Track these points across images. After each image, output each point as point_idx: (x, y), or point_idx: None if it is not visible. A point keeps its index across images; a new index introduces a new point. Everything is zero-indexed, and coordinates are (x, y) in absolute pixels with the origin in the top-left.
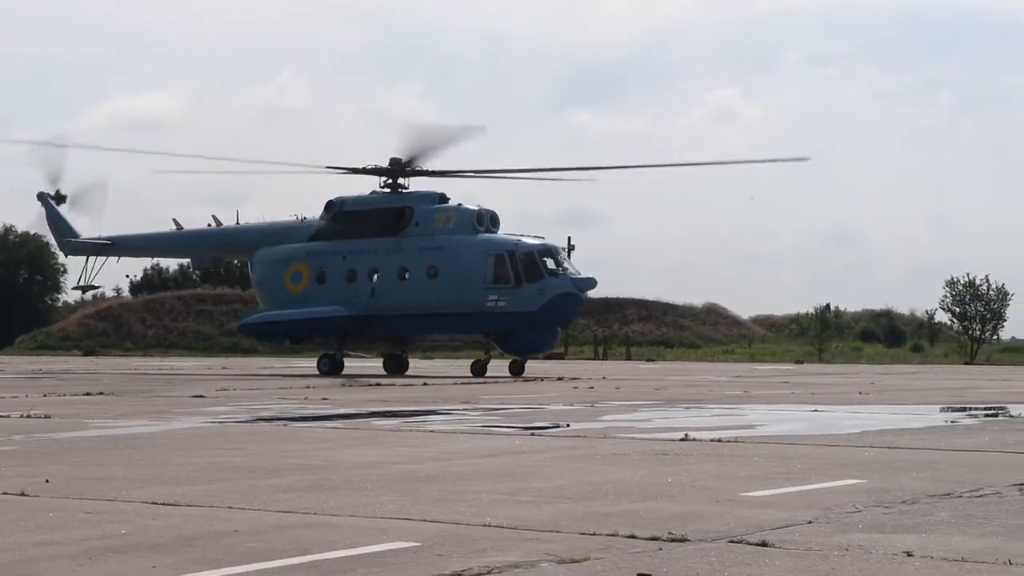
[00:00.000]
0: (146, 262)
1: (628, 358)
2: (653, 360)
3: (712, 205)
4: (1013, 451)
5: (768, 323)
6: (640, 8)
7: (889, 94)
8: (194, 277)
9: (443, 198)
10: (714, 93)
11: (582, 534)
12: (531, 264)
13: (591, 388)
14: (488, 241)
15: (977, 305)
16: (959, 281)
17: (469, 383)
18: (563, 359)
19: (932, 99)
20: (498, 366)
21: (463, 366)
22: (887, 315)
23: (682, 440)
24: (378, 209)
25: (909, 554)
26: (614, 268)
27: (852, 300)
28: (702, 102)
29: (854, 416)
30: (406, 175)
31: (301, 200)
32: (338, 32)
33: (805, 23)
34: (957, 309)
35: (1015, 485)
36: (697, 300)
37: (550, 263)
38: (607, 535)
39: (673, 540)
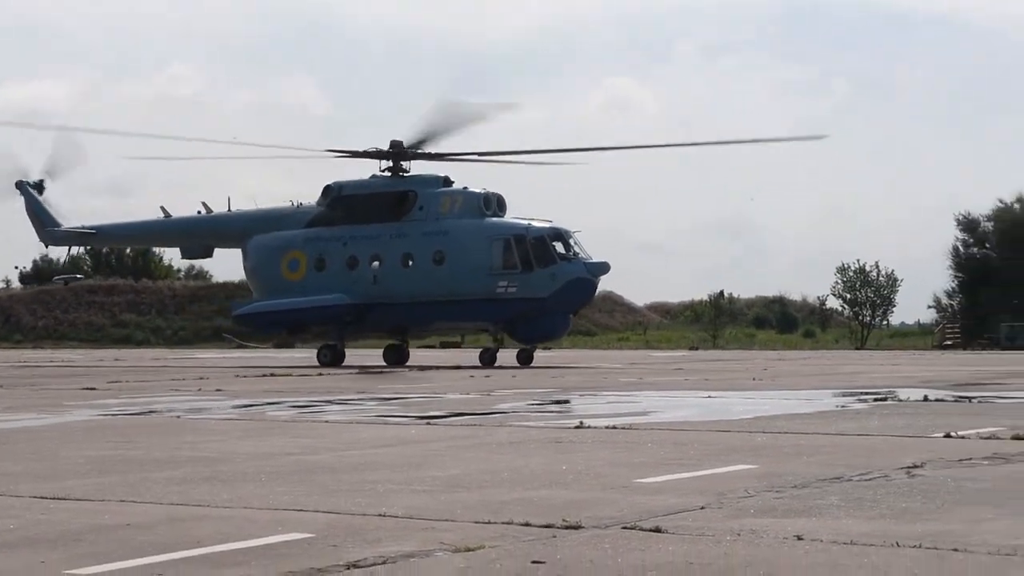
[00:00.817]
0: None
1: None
2: (549, 348)
3: (608, 194)
4: (901, 435)
5: (663, 310)
6: (532, 2)
7: (784, 84)
8: (85, 268)
9: (447, 181)
10: (610, 82)
11: (477, 523)
12: (542, 248)
13: (487, 377)
14: (496, 225)
15: (867, 291)
16: (850, 268)
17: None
18: (459, 347)
19: (826, 90)
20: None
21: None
22: (780, 301)
23: (577, 428)
24: (379, 193)
25: (799, 537)
26: None
27: (745, 287)
28: (598, 91)
29: (747, 402)
30: (408, 158)
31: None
32: (231, 21)
33: (701, 13)
34: (848, 295)
35: (903, 468)
36: None
37: (561, 247)
38: (502, 523)
39: (567, 527)
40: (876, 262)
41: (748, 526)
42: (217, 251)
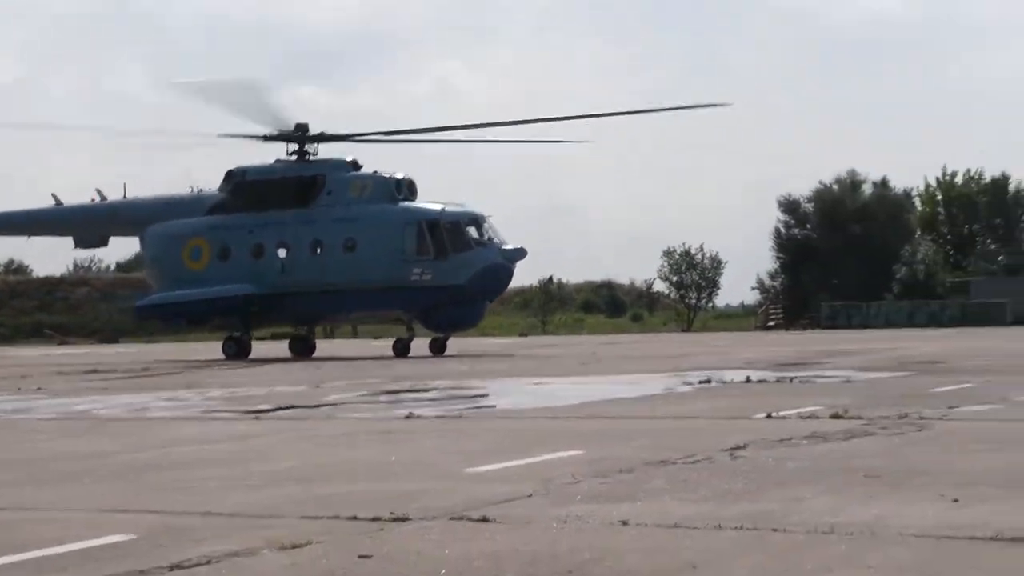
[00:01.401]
0: None
1: (355, 336)
2: (379, 337)
3: (432, 179)
4: (725, 416)
5: None
6: None
7: (610, 65)
8: None
9: (356, 165)
10: (437, 65)
11: (304, 518)
12: (457, 234)
13: (318, 369)
14: (409, 210)
15: (693, 274)
16: (675, 251)
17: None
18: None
19: (651, 70)
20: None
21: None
22: (608, 286)
23: (407, 418)
24: (286, 178)
25: (625, 523)
26: None
27: (574, 272)
28: (426, 74)
29: (575, 387)
30: (313, 141)
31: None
32: (53, 3)
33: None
34: (674, 278)
35: (726, 450)
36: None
37: (477, 232)
38: (329, 518)
39: (395, 520)
40: (701, 245)
41: (575, 512)
42: (36, 240)
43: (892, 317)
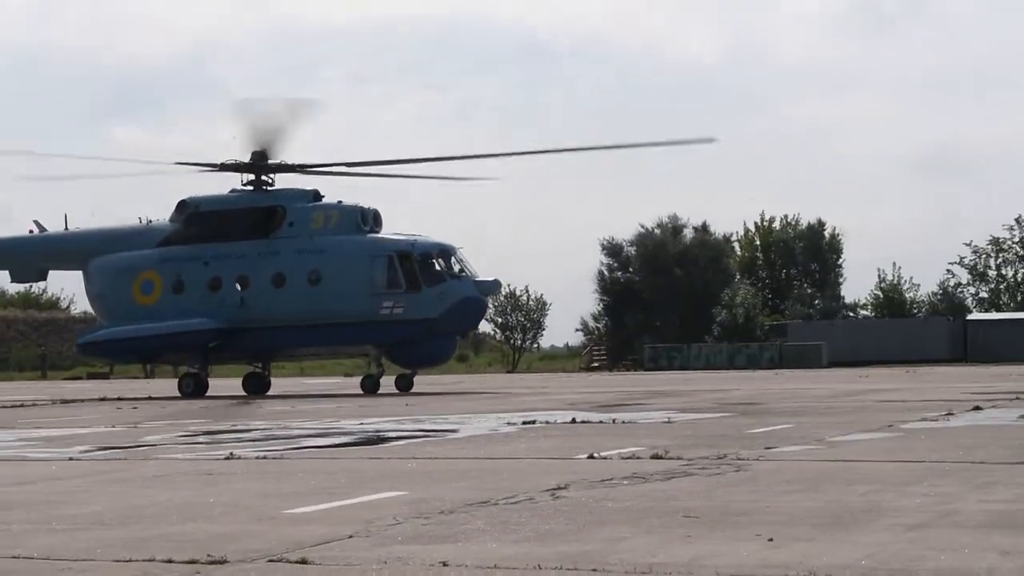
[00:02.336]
0: None
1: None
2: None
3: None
4: (547, 457)
5: None
6: (182, 20)
7: (430, 111)
8: None
9: (317, 195)
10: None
11: (118, 561)
12: (430, 266)
13: (135, 409)
14: (378, 241)
15: (518, 315)
16: (501, 293)
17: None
18: (108, 378)
19: (471, 117)
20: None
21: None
22: None
23: (227, 459)
24: (243, 208)
25: (445, 564)
26: None
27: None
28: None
29: (398, 427)
30: (271, 171)
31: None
32: None
33: (346, 40)
34: (500, 319)
35: (548, 491)
36: None
37: (448, 264)
38: (144, 560)
39: (212, 562)
40: (526, 286)
41: (395, 554)
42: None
43: (712, 359)
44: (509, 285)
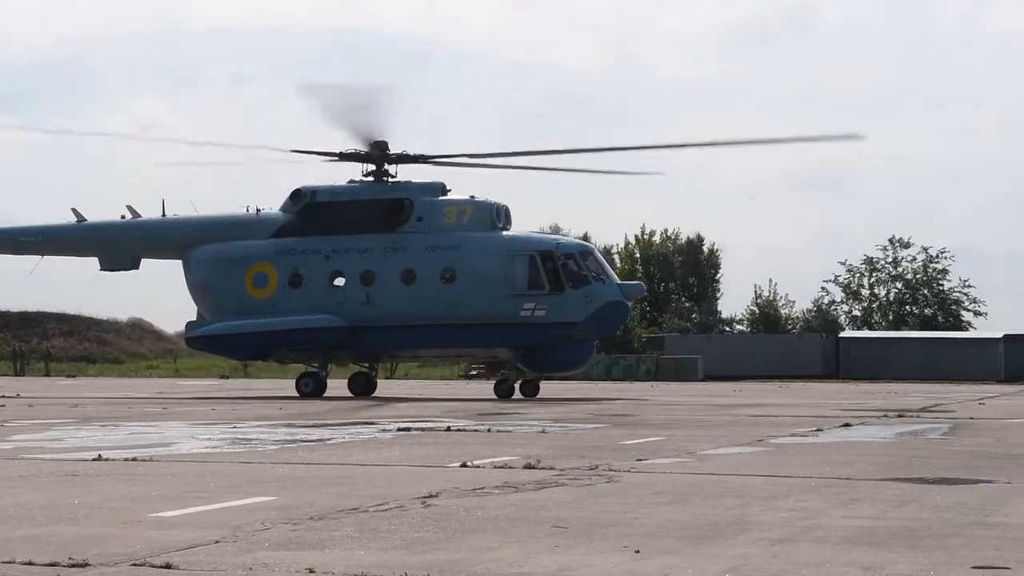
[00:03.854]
0: None
1: (47, 374)
2: (74, 376)
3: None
4: (421, 464)
5: None
6: (59, 16)
7: (313, 114)
8: None
9: (444, 189)
10: (139, 104)
11: None
12: (574, 267)
13: (2, 407)
14: (518, 239)
15: None
16: None
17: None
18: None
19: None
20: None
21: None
22: None
23: (95, 460)
24: (366, 200)
25: (311, 570)
26: (29, 282)
27: None
28: (126, 114)
29: (273, 432)
30: (392, 161)
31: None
32: None
33: (231, 40)
34: None
35: (419, 498)
36: (122, 315)
37: (593, 266)
38: (4, 562)
39: (73, 565)
40: None
41: (261, 560)
42: None
43: (589, 370)
44: None
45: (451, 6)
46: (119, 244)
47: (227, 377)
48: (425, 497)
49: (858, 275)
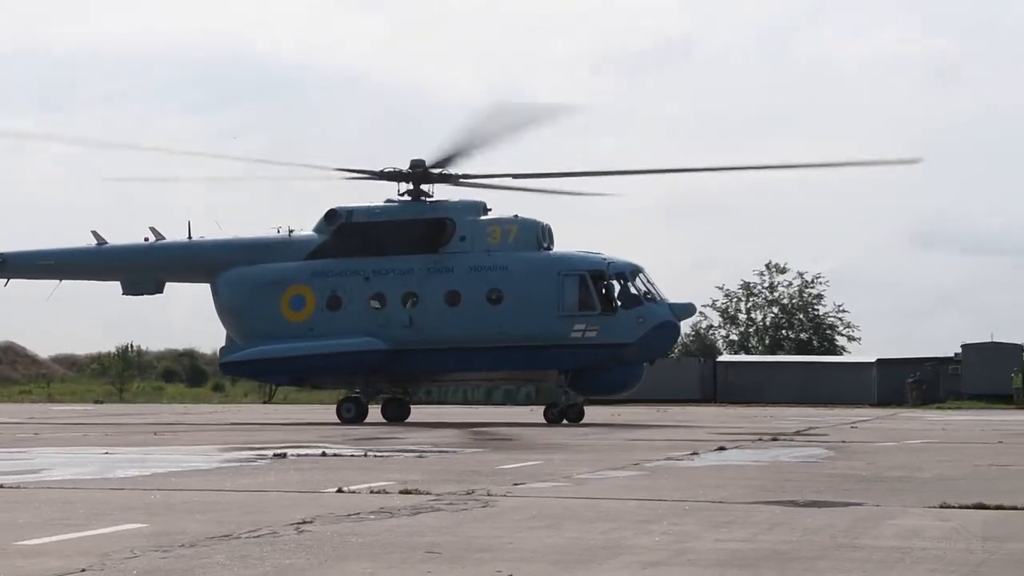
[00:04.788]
0: None
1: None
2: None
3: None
4: (296, 490)
5: (70, 362)
6: None
7: (191, 135)
8: None
9: (485, 208)
10: (9, 124)
11: None
12: (624, 287)
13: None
14: (568, 259)
15: None
16: None
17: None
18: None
19: (231, 144)
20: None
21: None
22: (190, 355)
23: None
24: (407, 220)
25: None
26: None
27: (155, 340)
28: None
29: (146, 458)
30: (433, 180)
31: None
32: None
33: (103, 61)
34: None
35: (292, 524)
36: None
37: (643, 286)
38: None
39: None
40: None
41: None
42: None
43: (470, 394)
44: None
45: (330, 30)
46: (143, 268)
47: (101, 402)
48: (299, 523)
49: (735, 300)
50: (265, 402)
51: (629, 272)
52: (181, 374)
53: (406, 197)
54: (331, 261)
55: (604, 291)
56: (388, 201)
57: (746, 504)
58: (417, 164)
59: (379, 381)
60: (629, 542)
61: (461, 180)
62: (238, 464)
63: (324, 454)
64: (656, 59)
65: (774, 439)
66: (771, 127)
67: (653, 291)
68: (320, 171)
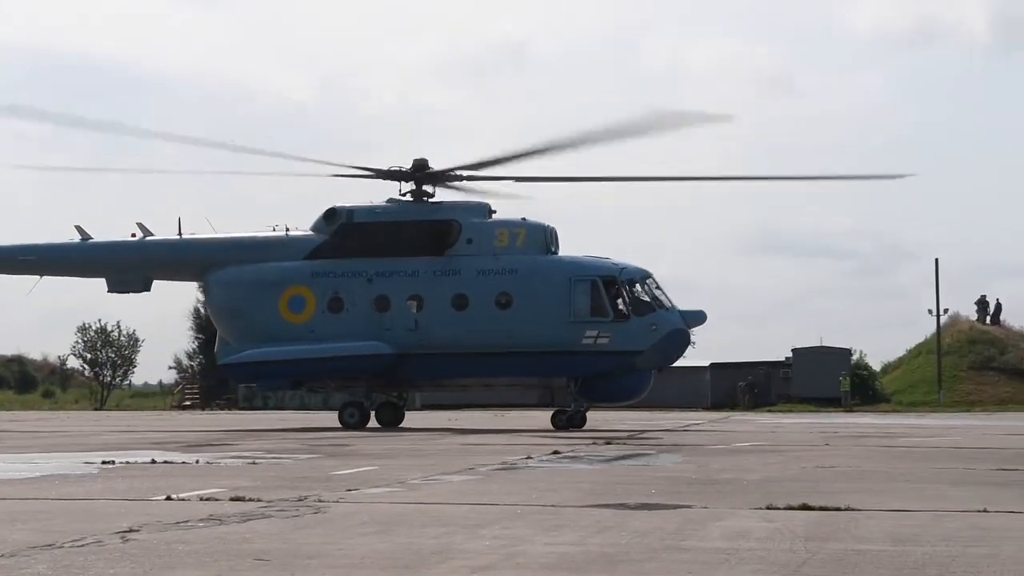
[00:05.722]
0: None
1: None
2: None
3: None
4: (123, 498)
5: None
6: None
7: (28, 140)
8: None
9: (490, 210)
10: None
11: None
12: (636, 293)
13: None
14: (578, 264)
15: (108, 351)
16: (91, 327)
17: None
18: None
19: (68, 147)
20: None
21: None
22: (19, 361)
23: None
24: (411, 222)
25: None
26: None
27: None
28: None
29: None
30: (435, 181)
31: None
32: None
33: None
34: (88, 355)
35: (118, 533)
36: None
37: (654, 292)
38: None
39: None
40: (118, 322)
41: None
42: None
43: (307, 400)
44: (100, 320)
45: (166, 32)
46: (130, 265)
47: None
48: (125, 531)
49: None
50: (96, 408)
51: (640, 278)
52: (10, 381)
53: (408, 197)
54: (332, 262)
55: (617, 297)
56: (390, 201)
57: (577, 507)
58: (419, 164)
59: (382, 386)
60: (460, 547)
61: (465, 181)
62: (64, 472)
63: (154, 461)
64: (491, 63)
65: (608, 442)
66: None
67: (663, 297)
68: (316, 166)
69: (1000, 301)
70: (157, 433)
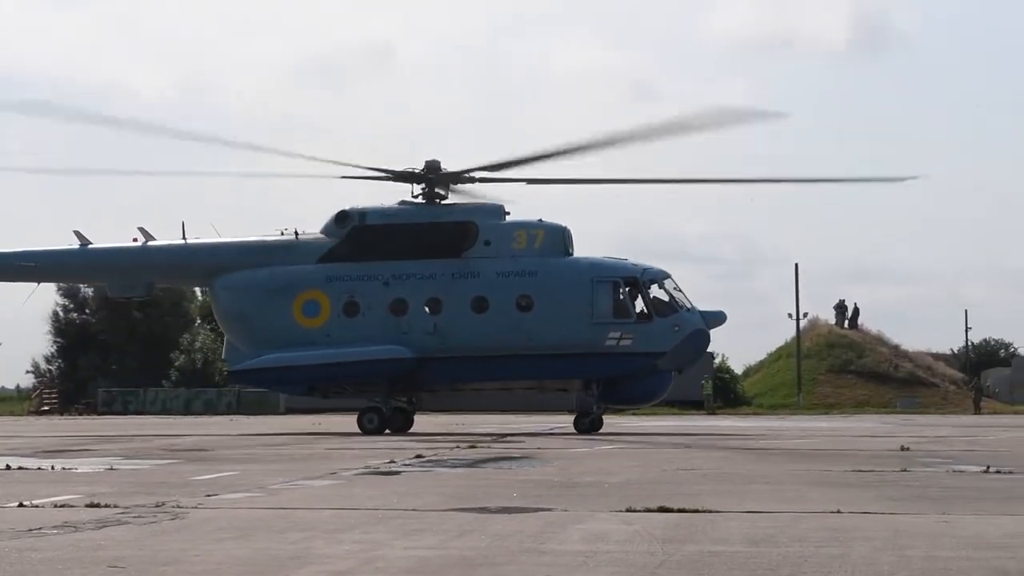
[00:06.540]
0: None
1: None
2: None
3: None
4: None
5: None
6: None
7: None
8: None
9: (504, 211)
10: None
11: None
12: (660, 294)
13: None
14: (599, 265)
15: None
16: None
17: None
18: None
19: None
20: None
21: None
22: None
23: None
24: (427, 224)
25: None
26: None
27: None
28: None
29: None
30: (450, 181)
31: None
32: None
33: None
34: None
35: None
36: None
37: (675, 293)
38: None
39: None
40: None
41: None
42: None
43: (169, 404)
44: None
45: (22, 32)
46: (134, 269)
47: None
48: None
49: None
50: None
51: (661, 278)
52: None
53: (420, 199)
54: (346, 265)
55: (639, 298)
56: (402, 203)
57: (439, 511)
58: (432, 165)
59: (400, 390)
60: (319, 552)
61: (478, 183)
62: None
63: (8, 467)
64: (354, 66)
65: (472, 446)
66: (480, 135)
67: (683, 298)
68: (322, 165)
69: (858, 305)
70: (12, 439)
